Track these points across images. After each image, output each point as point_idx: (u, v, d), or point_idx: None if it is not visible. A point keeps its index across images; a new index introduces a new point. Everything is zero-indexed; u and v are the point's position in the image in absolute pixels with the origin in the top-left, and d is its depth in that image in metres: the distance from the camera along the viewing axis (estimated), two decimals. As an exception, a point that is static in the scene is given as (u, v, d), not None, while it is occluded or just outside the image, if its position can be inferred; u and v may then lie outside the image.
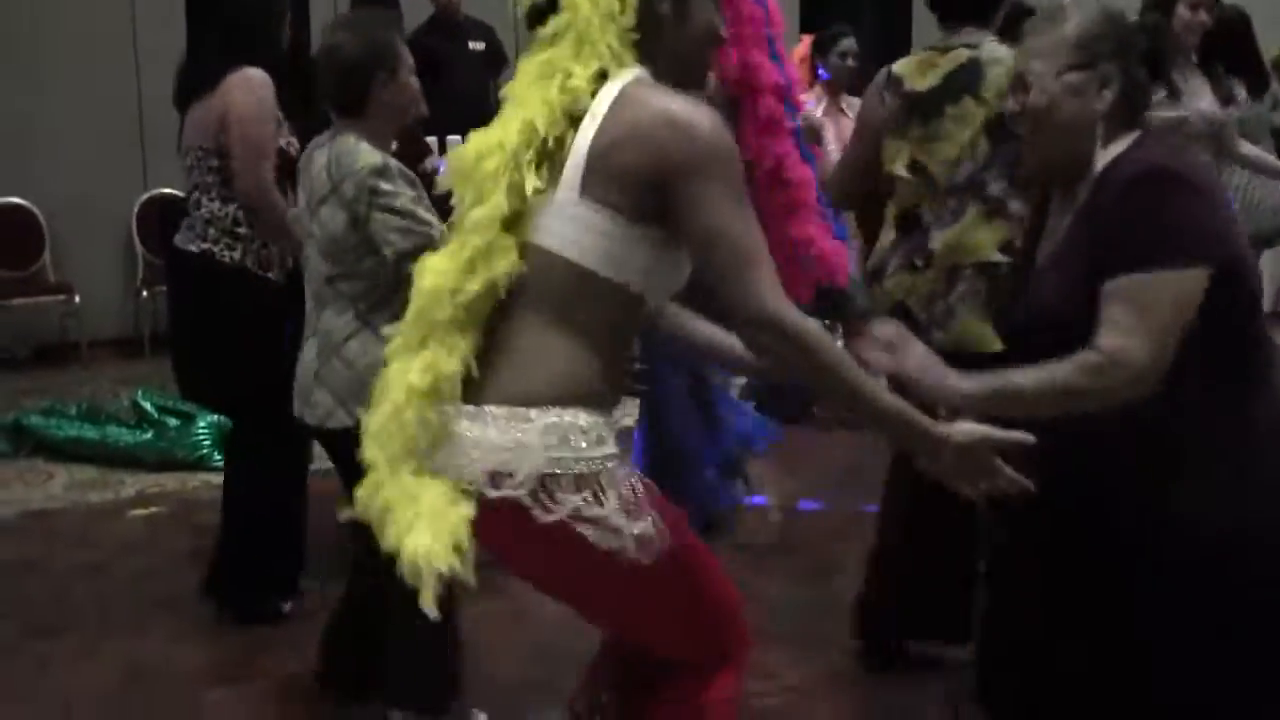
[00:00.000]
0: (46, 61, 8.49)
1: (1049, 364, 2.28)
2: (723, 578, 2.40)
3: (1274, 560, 2.37)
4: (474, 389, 2.19)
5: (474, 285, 2.15)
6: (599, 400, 2.19)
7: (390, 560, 2.13)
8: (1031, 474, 2.32)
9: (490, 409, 2.15)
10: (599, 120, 2.13)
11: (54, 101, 8.54)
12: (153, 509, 5.65)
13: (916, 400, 2.30)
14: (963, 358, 2.75)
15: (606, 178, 2.12)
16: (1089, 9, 2.50)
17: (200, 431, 6.22)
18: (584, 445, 2.12)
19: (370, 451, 2.23)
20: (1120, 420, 2.31)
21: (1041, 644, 2.58)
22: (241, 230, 4.17)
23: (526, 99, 2.20)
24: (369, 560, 2.95)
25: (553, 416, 2.12)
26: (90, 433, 6.42)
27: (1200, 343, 2.29)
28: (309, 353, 3.42)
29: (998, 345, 2.90)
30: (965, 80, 3.43)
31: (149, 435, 6.33)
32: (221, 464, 5.96)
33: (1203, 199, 2.32)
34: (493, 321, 2.21)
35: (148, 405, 6.50)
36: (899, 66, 3.58)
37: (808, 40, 7.01)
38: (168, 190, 8.57)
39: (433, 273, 2.21)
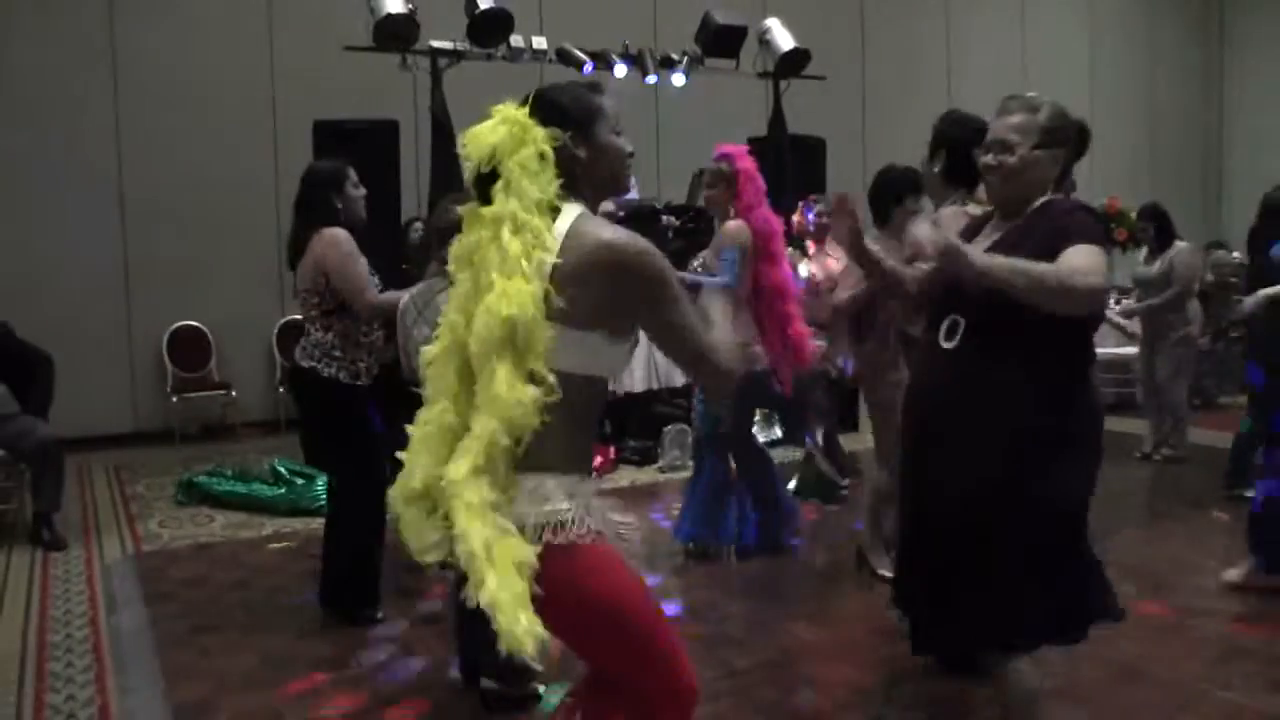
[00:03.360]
0: (213, 221, 8.60)
1: (1038, 264, 2.48)
2: (672, 635, 2.23)
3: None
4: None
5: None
6: (570, 467, 2.07)
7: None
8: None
9: (520, 477, 2.04)
10: (553, 255, 2.01)
11: (220, 251, 8.63)
12: (284, 543, 5.64)
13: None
14: None
15: (566, 301, 1.99)
16: (1053, 104, 2.69)
17: (319, 488, 6.18)
18: (563, 502, 2.02)
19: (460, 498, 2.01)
20: (1005, 401, 2.56)
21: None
22: (336, 353, 4.17)
23: (495, 265, 2.03)
24: None
25: (535, 481, 2.03)
26: (241, 488, 6.44)
27: (1061, 338, 2.55)
28: None
29: None
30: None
31: (283, 490, 6.34)
32: (335, 512, 6.04)
33: (1099, 221, 2.67)
34: None
35: (282, 469, 6.50)
36: (974, 209, 3.38)
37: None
38: (299, 317, 8.65)
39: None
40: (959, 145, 3.45)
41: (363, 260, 4.15)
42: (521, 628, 1.90)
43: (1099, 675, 3.66)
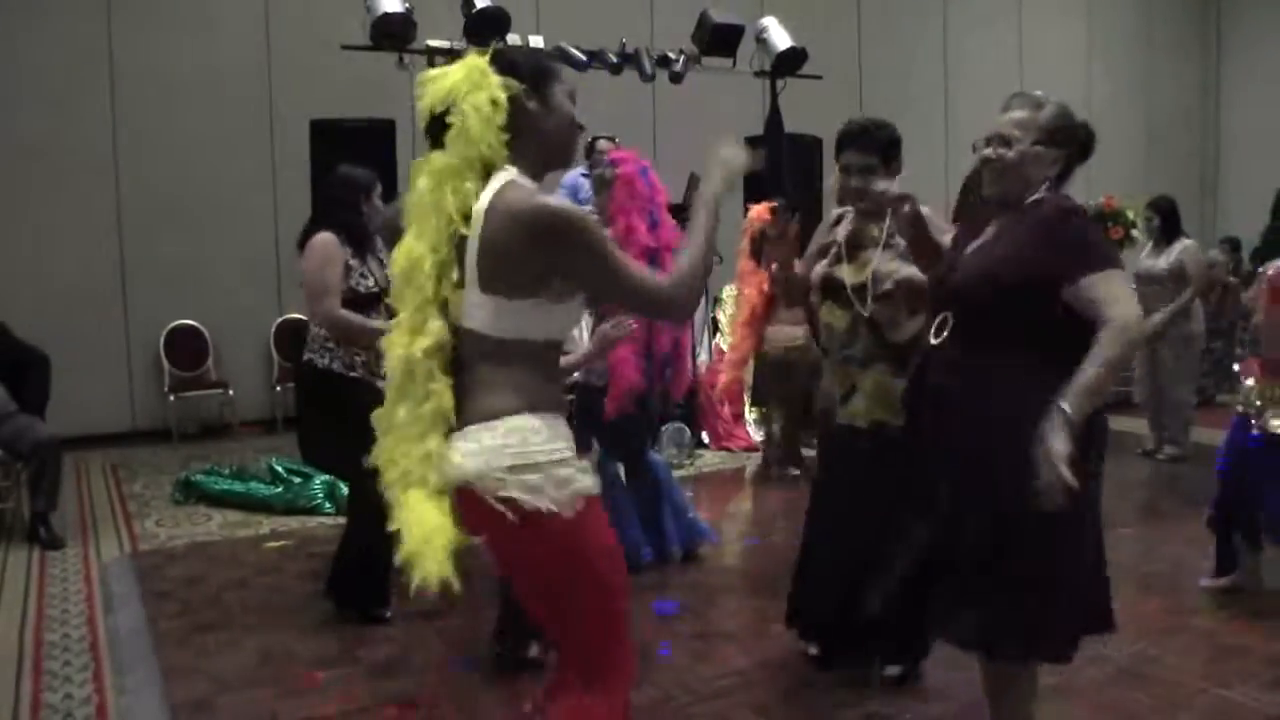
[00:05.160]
0: (210, 220, 8.60)
1: (1092, 355, 2.38)
2: (627, 621, 2.21)
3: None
4: (458, 418, 2.11)
5: (419, 352, 2.11)
6: (545, 407, 2.11)
7: None
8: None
9: (469, 428, 2.08)
10: (479, 227, 2.06)
11: (217, 250, 8.62)
12: (282, 542, 5.62)
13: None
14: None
15: (494, 272, 2.06)
16: (1058, 103, 2.66)
17: (316, 487, 6.21)
18: (538, 441, 2.05)
19: (386, 475, 2.15)
20: (986, 399, 2.51)
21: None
22: (330, 345, 4.21)
23: (433, 206, 2.12)
24: None
25: (514, 422, 2.05)
26: (238, 487, 6.42)
27: (1048, 338, 2.49)
28: None
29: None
30: None
31: (279, 489, 6.32)
32: (331, 511, 6.02)
33: (1094, 225, 2.58)
34: (461, 368, 2.14)
35: (279, 468, 6.48)
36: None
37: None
38: (296, 315, 8.65)
39: (398, 347, 2.16)
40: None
41: (336, 270, 4.17)
42: (431, 568, 2.03)
43: (1097, 674, 3.66)
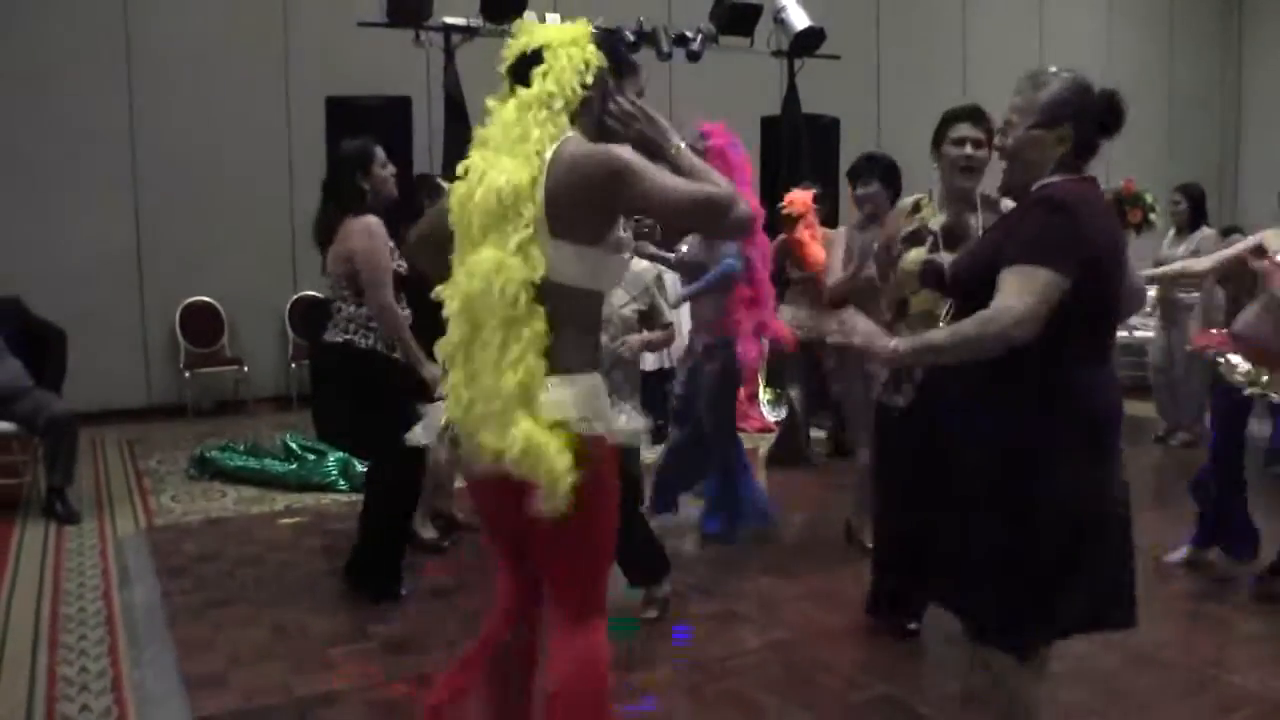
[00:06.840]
0: (226, 197, 8.60)
1: (954, 326, 2.43)
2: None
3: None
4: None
5: (519, 280, 2.12)
6: (598, 365, 2.28)
7: None
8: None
9: (551, 379, 2.13)
10: (544, 176, 2.13)
11: (233, 227, 8.64)
12: (296, 519, 5.66)
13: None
14: None
15: (560, 218, 2.13)
16: (1064, 78, 2.49)
17: (330, 464, 6.24)
18: (602, 401, 2.21)
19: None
20: (997, 367, 2.37)
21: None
22: (373, 324, 4.19)
23: (523, 135, 2.17)
24: None
25: (587, 381, 2.19)
26: (253, 463, 6.45)
27: (1067, 317, 2.34)
28: None
29: None
30: None
31: (294, 466, 6.35)
32: (345, 488, 6.05)
33: (1071, 220, 2.36)
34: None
35: (294, 445, 6.52)
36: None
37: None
38: (311, 292, 8.66)
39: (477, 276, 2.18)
40: None
41: (389, 258, 4.17)
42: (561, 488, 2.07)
43: (1110, 660, 3.66)
